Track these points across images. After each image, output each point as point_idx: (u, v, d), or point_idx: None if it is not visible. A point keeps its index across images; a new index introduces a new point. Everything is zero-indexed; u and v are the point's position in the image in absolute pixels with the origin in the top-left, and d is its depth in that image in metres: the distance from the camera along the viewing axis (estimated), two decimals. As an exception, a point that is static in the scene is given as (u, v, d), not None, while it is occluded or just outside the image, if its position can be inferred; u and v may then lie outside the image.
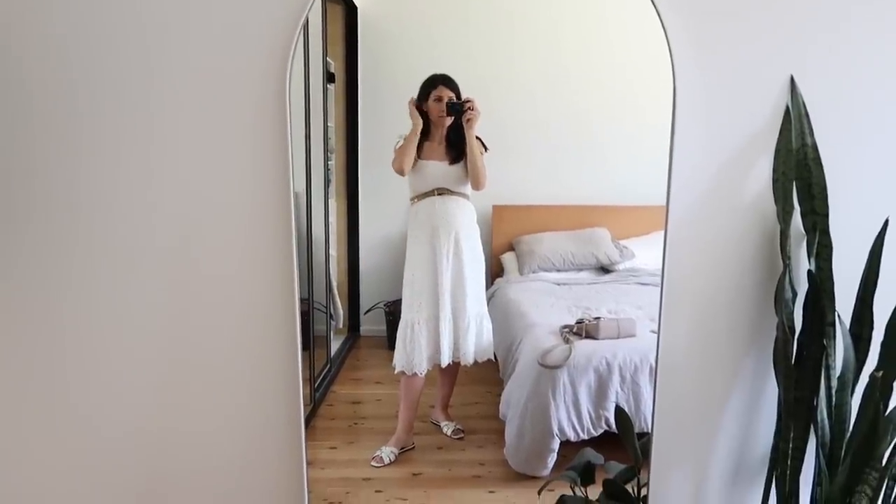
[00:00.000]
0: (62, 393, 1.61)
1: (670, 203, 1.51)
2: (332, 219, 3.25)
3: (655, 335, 2.35)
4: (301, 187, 2.54)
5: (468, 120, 2.17)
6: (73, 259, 1.55)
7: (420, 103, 2.25)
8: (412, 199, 2.30)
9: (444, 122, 2.20)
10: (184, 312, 1.57)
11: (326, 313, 3.00)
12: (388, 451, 2.23)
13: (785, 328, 1.43)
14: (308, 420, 2.39)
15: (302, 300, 2.69)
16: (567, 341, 2.27)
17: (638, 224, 3.30)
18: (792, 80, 1.47)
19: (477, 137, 2.24)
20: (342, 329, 3.35)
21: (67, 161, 1.51)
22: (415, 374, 2.25)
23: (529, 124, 3.28)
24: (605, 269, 3.19)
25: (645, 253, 3.21)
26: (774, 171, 1.49)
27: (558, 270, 3.17)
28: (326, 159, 2.92)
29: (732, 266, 1.54)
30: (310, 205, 2.55)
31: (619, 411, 1.75)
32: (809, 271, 1.44)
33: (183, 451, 1.64)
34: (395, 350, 2.33)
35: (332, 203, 3.27)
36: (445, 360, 2.25)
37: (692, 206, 1.52)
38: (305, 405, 2.42)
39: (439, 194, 2.26)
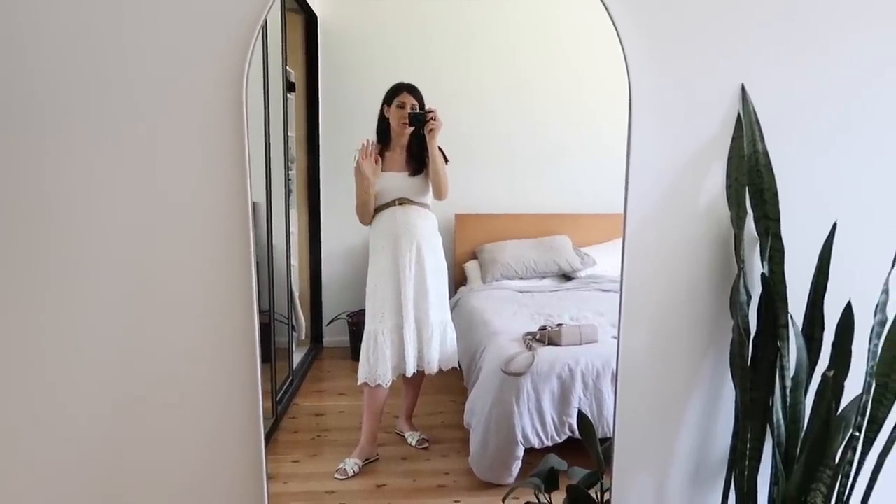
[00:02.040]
0: (13, 402, 1.55)
1: (628, 209, 1.53)
2: (294, 229, 3.21)
3: (617, 340, 2.38)
4: (261, 197, 2.52)
5: (431, 130, 2.16)
6: (27, 268, 1.50)
7: (382, 109, 2.24)
8: (373, 209, 2.29)
9: (405, 131, 2.19)
10: (138, 325, 1.53)
11: (288, 325, 2.96)
12: (351, 463, 2.20)
13: (740, 331, 1.46)
14: (270, 434, 2.35)
15: (263, 312, 2.65)
16: (530, 348, 2.28)
17: (598, 232, 3.34)
18: (743, 88, 1.51)
19: (438, 148, 2.24)
20: (304, 340, 3.31)
21: (13, 169, 1.46)
22: (378, 385, 2.22)
23: (490, 134, 3.29)
24: (566, 277, 3.23)
25: (606, 260, 3.25)
26: (728, 177, 1.52)
27: (521, 278, 3.19)
28: (287, 169, 2.88)
29: (689, 270, 1.57)
30: (270, 215, 2.51)
31: (581, 417, 1.77)
32: (763, 274, 1.47)
33: (138, 465, 1.59)
34: (360, 361, 2.31)
35: (294, 213, 3.24)
36: (410, 370, 2.24)
37: (649, 212, 1.54)
38: (267, 418, 2.38)
39: (400, 204, 2.26)
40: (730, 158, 1.52)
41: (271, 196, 2.52)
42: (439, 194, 2.28)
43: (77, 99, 1.45)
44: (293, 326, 3.09)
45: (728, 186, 1.53)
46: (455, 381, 2.37)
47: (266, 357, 2.60)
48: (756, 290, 1.52)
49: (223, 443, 1.60)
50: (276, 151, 2.80)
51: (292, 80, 3.15)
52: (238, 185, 1.49)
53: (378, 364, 2.25)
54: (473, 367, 2.42)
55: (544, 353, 2.24)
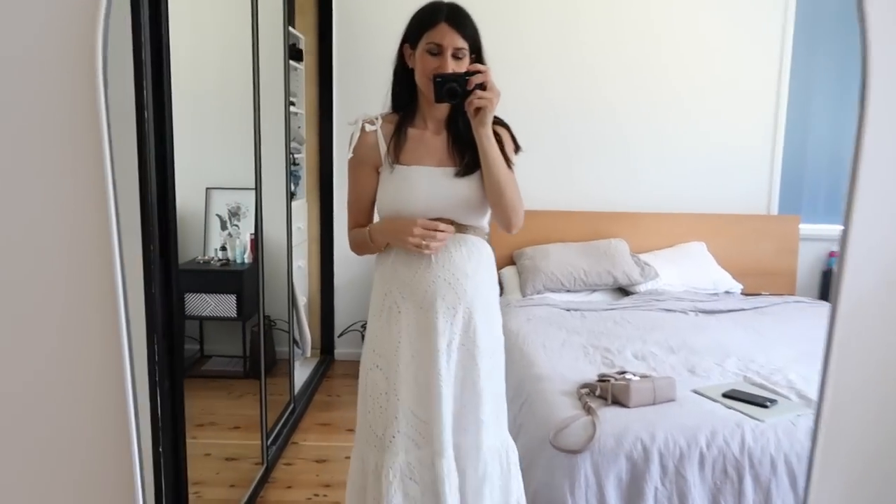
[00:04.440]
0: None
1: (841, 289, 0.73)
2: (302, 224, 2.48)
3: (700, 397, 1.61)
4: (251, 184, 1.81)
5: (477, 110, 1.02)
6: None
7: (403, 52, 1.09)
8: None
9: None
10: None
11: (289, 339, 2.24)
12: None
13: None
14: (258, 489, 1.67)
15: (257, 321, 1.93)
16: (588, 411, 1.51)
17: (659, 235, 2.54)
18: None
19: (503, 125, 1.14)
20: (313, 354, 2.60)
21: None
22: None
23: (539, 113, 2.52)
24: (623, 291, 2.45)
25: (668, 271, 2.45)
26: None
27: (568, 291, 2.42)
28: (288, 151, 2.14)
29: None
30: (260, 205, 1.79)
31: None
32: None
33: None
34: None
35: (302, 205, 2.50)
36: None
37: (867, 295, 0.75)
38: (256, 465, 1.71)
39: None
40: None
41: (261, 183, 1.78)
42: (508, 223, 1.10)
43: None
44: (296, 341, 2.37)
45: None
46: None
47: (255, 374, 1.90)
48: None
49: None
50: (275, 130, 2.05)
51: (300, 46, 2.38)
52: (91, 175, 0.72)
53: None
54: (509, 420, 1.68)
55: (608, 419, 1.46)
